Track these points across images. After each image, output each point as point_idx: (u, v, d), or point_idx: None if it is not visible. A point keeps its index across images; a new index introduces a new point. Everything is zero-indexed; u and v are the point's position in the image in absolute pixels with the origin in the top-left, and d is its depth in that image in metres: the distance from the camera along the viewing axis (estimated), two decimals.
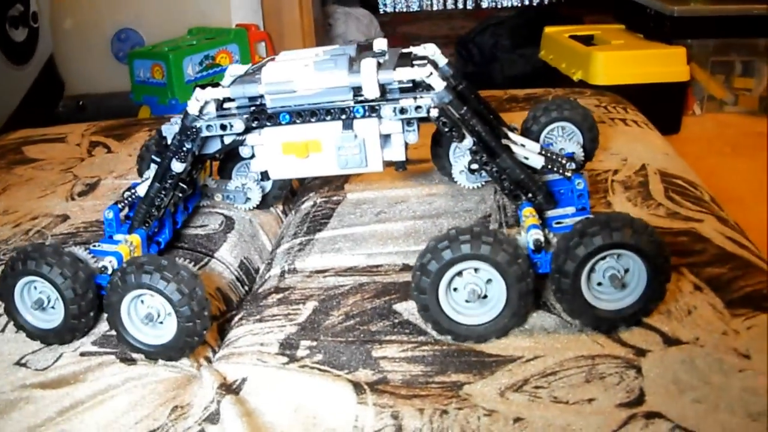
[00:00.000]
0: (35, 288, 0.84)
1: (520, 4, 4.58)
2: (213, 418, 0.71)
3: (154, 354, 0.81)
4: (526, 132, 1.10)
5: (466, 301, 0.78)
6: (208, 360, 0.84)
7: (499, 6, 4.63)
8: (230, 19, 2.65)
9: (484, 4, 4.66)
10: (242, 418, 0.70)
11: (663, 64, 2.27)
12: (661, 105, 2.28)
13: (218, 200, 1.12)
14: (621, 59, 2.27)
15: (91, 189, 1.29)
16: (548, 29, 2.63)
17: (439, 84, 0.84)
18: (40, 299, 0.83)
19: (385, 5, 4.69)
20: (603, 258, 0.76)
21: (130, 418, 0.73)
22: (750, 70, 2.50)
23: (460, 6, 4.69)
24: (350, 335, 0.81)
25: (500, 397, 0.71)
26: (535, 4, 4.59)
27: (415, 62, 0.90)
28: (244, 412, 0.71)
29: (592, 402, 0.70)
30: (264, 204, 1.14)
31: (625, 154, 1.22)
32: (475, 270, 0.77)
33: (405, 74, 0.84)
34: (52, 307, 0.84)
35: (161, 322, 0.80)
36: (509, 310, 0.77)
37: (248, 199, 1.10)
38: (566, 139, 1.08)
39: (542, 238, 0.79)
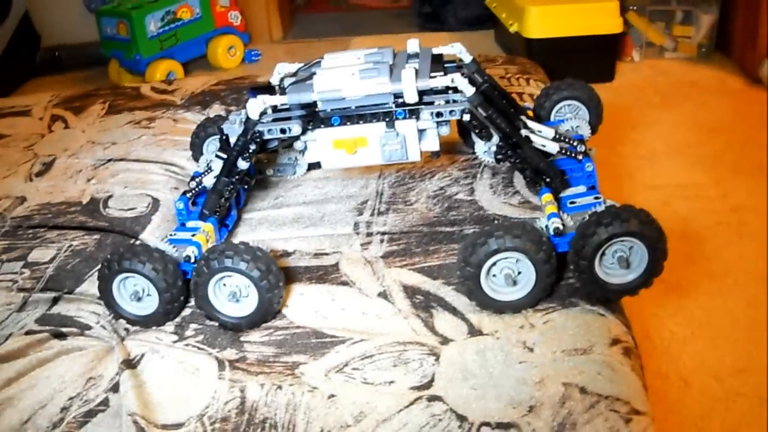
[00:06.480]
0: (130, 282, 0.96)
1: None
2: (115, 387, 0.87)
3: (238, 326, 0.94)
4: (538, 108, 1.23)
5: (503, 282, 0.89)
6: (127, 330, 0.97)
7: None
8: None
9: None
10: (133, 389, 0.85)
11: (596, 17, 2.33)
12: (596, 55, 2.39)
13: (269, 174, 1.26)
14: (554, 13, 2.32)
15: (47, 169, 1.38)
16: None
17: (469, 89, 0.97)
18: (136, 291, 0.95)
19: None
20: (613, 243, 0.87)
21: (57, 386, 0.88)
22: (690, 18, 2.57)
23: None
24: None
25: (324, 377, 0.84)
26: None
27: (446, 65, 1.05)
28: (135, 383, 0.86)
29: (392, 384, 0.82)
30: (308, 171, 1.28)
31: None
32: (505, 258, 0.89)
33: (440, 82, 0.98)
34: (148, 295, 0.96)
35: (246, 296, 0.93)
36: (539, 286, 0.89)
37: (296, 170, 1.25)
38: (574, 115, 1.22)
39: (561, 226, 0.92)
